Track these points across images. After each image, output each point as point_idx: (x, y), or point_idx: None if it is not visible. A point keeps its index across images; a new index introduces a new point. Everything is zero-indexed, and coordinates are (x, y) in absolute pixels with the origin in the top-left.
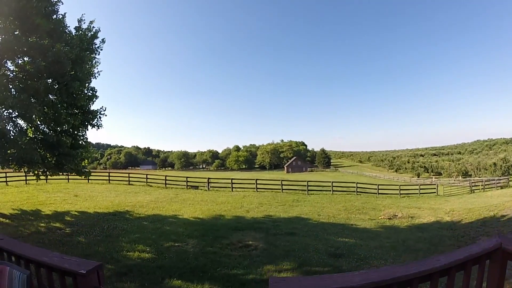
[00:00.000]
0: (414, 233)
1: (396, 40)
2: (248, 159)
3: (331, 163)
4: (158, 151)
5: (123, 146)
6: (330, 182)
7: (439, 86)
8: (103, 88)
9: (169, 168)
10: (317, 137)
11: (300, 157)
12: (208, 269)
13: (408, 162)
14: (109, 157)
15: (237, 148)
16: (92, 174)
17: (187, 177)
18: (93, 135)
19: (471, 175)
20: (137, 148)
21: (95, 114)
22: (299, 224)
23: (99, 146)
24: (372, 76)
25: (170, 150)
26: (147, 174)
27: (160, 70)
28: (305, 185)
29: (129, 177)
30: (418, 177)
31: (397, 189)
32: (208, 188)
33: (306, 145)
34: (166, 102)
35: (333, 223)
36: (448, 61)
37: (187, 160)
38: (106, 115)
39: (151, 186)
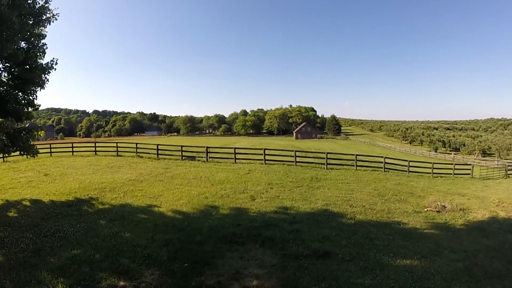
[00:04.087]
0: (477, 239)
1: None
2: (255, 124)
3: (341, 131)
4: (165, 117)
5: (129, 113)
6: (352, 155)
7: (452, 59)
8: (107, 52)
9: (175, 133)
10: (325, 103)
11: (309, 123)
12: None
13: (423, 135)
14: (114, 124)
15: (244, 113)
16: (77, 145)
17: (181, 146)
18: (100, 103)
19: (491, 154)
20: (142, 114)
21: (42, 70)
22: (329, 226)
23: (105, 113)
24: (383, 41)
25: (177, 116)
26: (137, 143)
27: (165, 32)
28: (321, 157)
29: (117, 147)
30: (435, 151)
31: (429, 167)
32: (207, 159)
33: (315, 111)
34: (173, 65)
35: (374, 221)
36: (463, 32)
37: (193, 125)
38: (55, 69)
39: (141, 157)
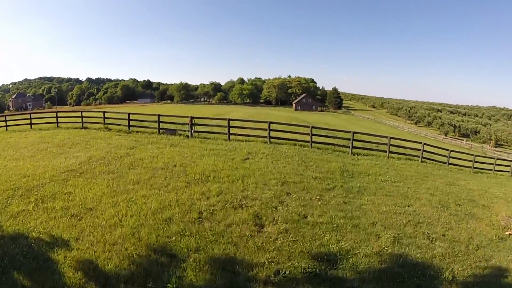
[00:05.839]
0: None
1: None
2: (253, 93)
3: (343, 105)
4: (159, 84)
5: (123, 80)
6: (385, 137)
7: (453, 40)
8: (102, 18)
9: (168, 101)
10: (324, 77)
11: (310, 95)
12: None
13: (429, 116)
14: (105, 91)
15: (241, 81)
16: (36, 116)
17: (159, 116)
18: (93, 71)
19: (501, 145)
20: (135, 81)
21: None
22: None
23: (98, 81)
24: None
25: (172, 83)
26: (104, 112)
27: None
28: (341, 137)
29: (82, 118)
30: (446, 135)
31: (469, 160)
32: (191, 134)
33: (316, 83)
34: (169, 31)
35: (479, 280)
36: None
37: (187, 93)
38: None
39: (110, 129)
